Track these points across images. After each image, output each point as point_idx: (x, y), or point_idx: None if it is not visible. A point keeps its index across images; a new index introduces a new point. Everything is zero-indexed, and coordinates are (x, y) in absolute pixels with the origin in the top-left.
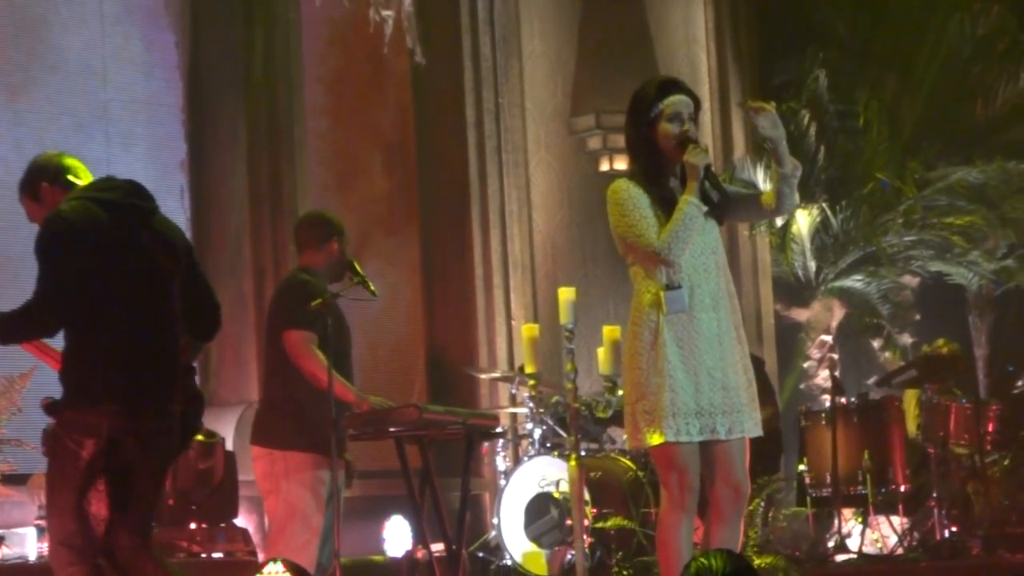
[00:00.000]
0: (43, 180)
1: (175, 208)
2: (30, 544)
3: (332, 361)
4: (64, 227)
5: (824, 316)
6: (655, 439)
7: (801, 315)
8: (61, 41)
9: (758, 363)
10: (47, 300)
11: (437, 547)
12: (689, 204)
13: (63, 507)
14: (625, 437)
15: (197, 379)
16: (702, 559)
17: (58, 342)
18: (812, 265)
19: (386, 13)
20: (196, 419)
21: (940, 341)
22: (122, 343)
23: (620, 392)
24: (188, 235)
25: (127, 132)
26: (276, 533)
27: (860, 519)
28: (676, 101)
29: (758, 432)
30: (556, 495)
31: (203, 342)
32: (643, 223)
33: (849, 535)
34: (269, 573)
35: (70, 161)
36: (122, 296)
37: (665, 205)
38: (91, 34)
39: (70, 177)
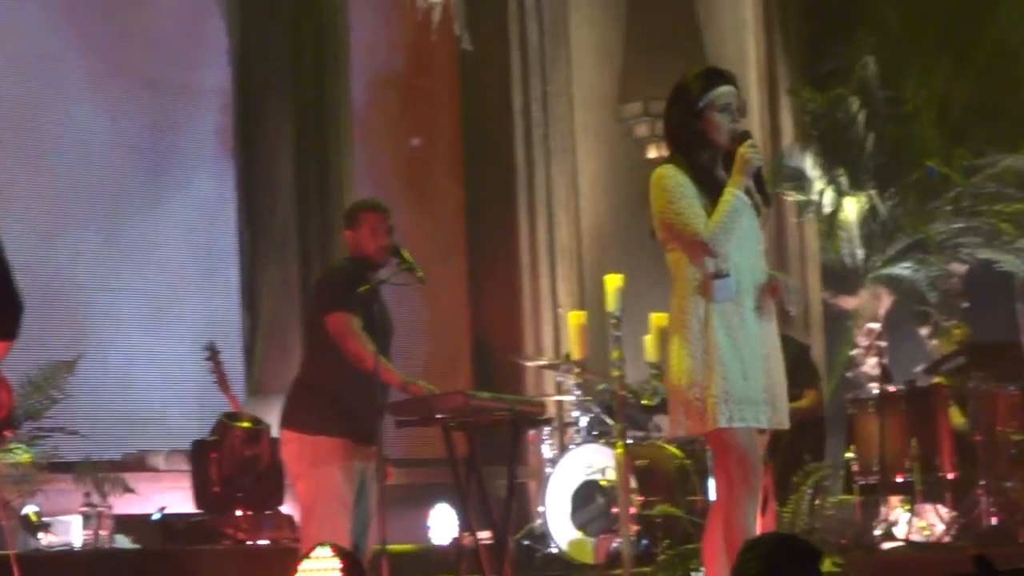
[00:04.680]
0: None
1: (224, 194)
2: (75, 531)
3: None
4: None
5: (872, 304)
6: (709, 424)
7: (849, 303)
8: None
9: (804, 349)
10: None
11: (483, 535)
12: (735, 196)
13: None
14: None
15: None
16: (758, 540)
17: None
18: (860, 252)
19: (434, 0)
20: None
21: (954, 325)
22: None
23: None
24: (234, 221)
25: (174, 117)
26: (307, 518)
27: (907, 507)
28: (726, 92)
29: (787, 424)
30: (602, 483)
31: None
32: (690, 211)
33: (896, 523)
34: (317, 558)
35: None
36: None
37: (713, 194)
38: (139, 17)
39: None
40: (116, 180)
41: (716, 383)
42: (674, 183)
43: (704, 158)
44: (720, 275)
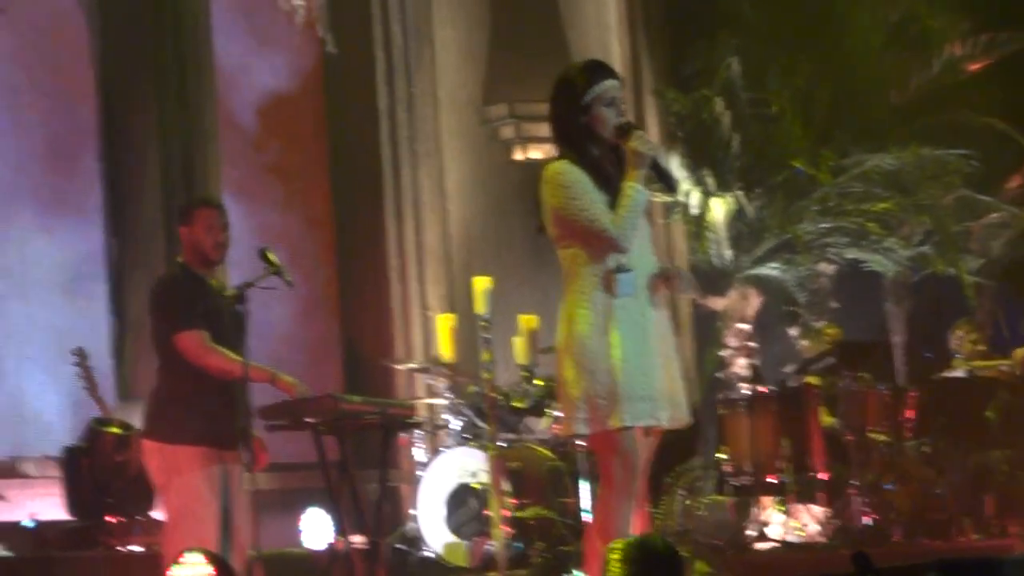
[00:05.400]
0: None
1: (92, 196)
2: None
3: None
4: None
5: (741, 304)
6: (612, 423)
7: (718, 304)
8: None
9: None
10: None
11: (357, 539)
12: (637, 191)
13: None
14: (547, 424)
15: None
16: (622, 544)
17: None
18: (728, 253)
19: (297, 2)
20: None
21: (823, 325)
22: None
23: (537, 381)
24: (101, 226)
25: (38, 122)
26: (172, 528)
27: (780, 507)
28: (611, 86)
29: (689, 419)
30: (475, 486)
31: None
32: (595, 207)
33: (769, 523)
34: (188, 564)
35: None
36: None
37: (606, 189)
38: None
39: None
40: None
41: (620, 381)
42: (573, 179)
43: (594, 153)
44: (623, 270)
